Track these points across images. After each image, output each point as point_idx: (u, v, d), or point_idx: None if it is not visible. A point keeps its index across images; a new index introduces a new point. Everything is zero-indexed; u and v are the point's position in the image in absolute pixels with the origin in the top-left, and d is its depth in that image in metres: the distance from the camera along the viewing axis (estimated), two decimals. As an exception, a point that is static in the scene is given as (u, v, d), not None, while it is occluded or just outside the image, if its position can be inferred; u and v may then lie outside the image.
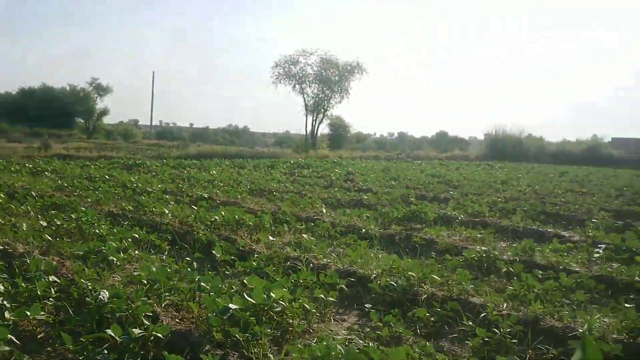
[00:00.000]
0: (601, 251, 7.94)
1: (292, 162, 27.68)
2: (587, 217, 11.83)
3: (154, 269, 5.43)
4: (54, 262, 5.77)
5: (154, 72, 56.91)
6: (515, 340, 4.57)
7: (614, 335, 4.61)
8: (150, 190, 13.50)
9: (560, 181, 21.60)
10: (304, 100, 47.48)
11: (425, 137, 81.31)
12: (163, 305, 4.87)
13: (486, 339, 4.50)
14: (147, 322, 4.13)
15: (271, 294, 4.71)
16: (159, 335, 3.94)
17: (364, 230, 9.07)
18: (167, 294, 5.10)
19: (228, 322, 4.33)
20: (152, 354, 3.93)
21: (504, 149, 43.71)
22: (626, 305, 5.45)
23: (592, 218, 11.57)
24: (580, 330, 4.51)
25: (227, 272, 6.48)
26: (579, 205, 13.71)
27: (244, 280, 5.39)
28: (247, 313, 4.47)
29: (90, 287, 4.82)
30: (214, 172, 20.12)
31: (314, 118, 48.04)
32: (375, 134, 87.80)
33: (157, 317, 4.42)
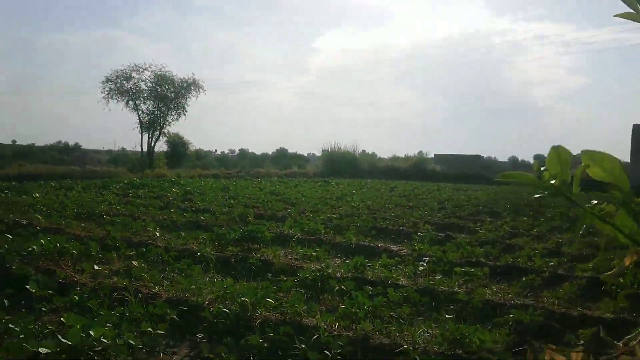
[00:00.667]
0: (425, 264, 8.47)
1: (126, 182, 26.34)
2: (413, 230, 12.60)
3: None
4: None
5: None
6: (344, 360, 4.64)
7: (436, 348, 4.87)
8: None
9: (390, 196, 22.89)
10: (139, 117, 45.47)
11: (266, 154, 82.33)
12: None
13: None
14: None
15: (90, 332, 4.33)
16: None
17: (199, 253, 8.79)
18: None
19: (39, 371, 3.89)
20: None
21: (340, 166, 45.53)
22: (447, 316, 5.81)
23: (417, 232, 12.34)
24: (405, 346, 4.69)
25: (44, 309, 5.87)
26: (406, 219, 14.59)
27: (62, 318, 4.91)
28: (63, 356, 4.05)
29: None
30: (37, 195, 18.45)
31: (150, 135, 46.20)
32: (216, 151, 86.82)
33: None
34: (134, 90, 45.13)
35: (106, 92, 44.87)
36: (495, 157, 63.26)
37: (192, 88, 46.63)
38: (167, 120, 46.42)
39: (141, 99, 45.38)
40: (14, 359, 3.93)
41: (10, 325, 4.67)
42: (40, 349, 3.92)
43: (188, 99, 46.84)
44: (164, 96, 45.42)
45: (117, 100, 45.11)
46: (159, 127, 46.27)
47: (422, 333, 5.25)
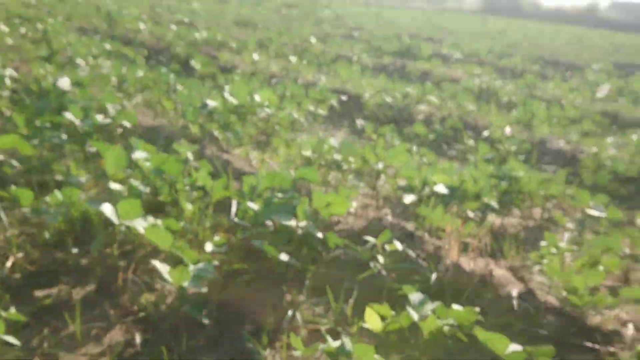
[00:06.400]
0: (605, 91, 7.51)
1: (280, 1, 26.07)
2: (586, 65, 11.29)
3: (124, 70, 4.86)
4: (11, 61, 5.15)
5: None
6: (521, 156, 4.20)
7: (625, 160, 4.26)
8: (126, 13, 12.46)
9: (557, 36, 20.74)
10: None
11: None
12: (133, 103, 4.35)
13: (490, 155, 4.12)
14: (113, 112, 3.62)
15: (256, 97, 4.21)
16: (127, 124, 3.46)
17: (355, 58, 8.43)
18: (138, 94, 4.57)
19: (207, 119, 3.86)
20: (119, 144, 3.46)
21: (500, 4, 41.92)
22: (634, 137, 5.09)
23: (591, 66, 11.04)
24: (594, 151, 4.13)
25: (207, 84, 5.91)
26: (577, 56, 13.10)
27: (226, 87, 4.85)
28: (229, 113, 3.99)
29: (51, 81, 4.26)
30: (196, 4, 18.78)
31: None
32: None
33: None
34: None
35: None
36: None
37: None
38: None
39: None
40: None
41: (178, 86, 4.70)
42: (208, 101, 3.86)
43: None
44: None
45: None
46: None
47: (609, 146, 4.62)
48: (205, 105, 3.81)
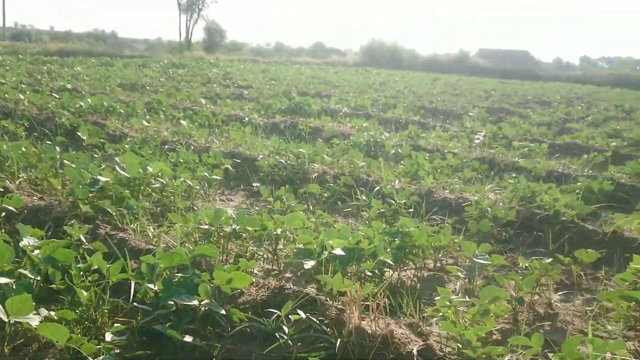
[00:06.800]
0: (481, 137, 8.10)
1: (166, 61, 25.98)
2: (463, 112, 12.14)
3: (5, 147, 4.64)
4: None
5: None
6: (411, 210, 4.42)
7: (505, 204, 4.61)
8: (2, 81, 11.90)
9: (434, 84, 22.13)
10: (177, -2, 44.43)
11: (302, 48, 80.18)
12: (17, 182, 4.16)
13: (382, 210, 4.31)
14: (-4, 196, 3.45)
15: (148, 168, 4.17)
16: (11, 208, 3.30)
17: (246, 119, 8.56)
18: (22, 173, 4.37)
19: (98, 196, 3.75)
20: (3, 230, 3.28)
21: (380, 57, 44.16)
22: (510, 181, 5.51)
23: (467, 113, 11.88)
24: (476, 198, 4.44)
25: (95, 155, 5.75)
26: (454, 103, 14.06)
27: (117, 160, 4.74)
28: (121, 187, 3.91)
29: None
30: (79, 68, 18.30)
31: (188, 19, 45.31)
32: (251, 43, 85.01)
33: (9, 193, 3.73)
34: (171, -30, 43.73)
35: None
36: (539, 57, 60.24)
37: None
38: (206, 2, 45.24)
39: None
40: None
41: (65, 161, 4.55)
42: (99, 177, 3.77)
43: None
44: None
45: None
46: (197, 10, 45.21)
47: (488, 191, 4.98)
48: (95, 182, 3.72)
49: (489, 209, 4.19)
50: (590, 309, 3.11)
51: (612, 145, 8.38)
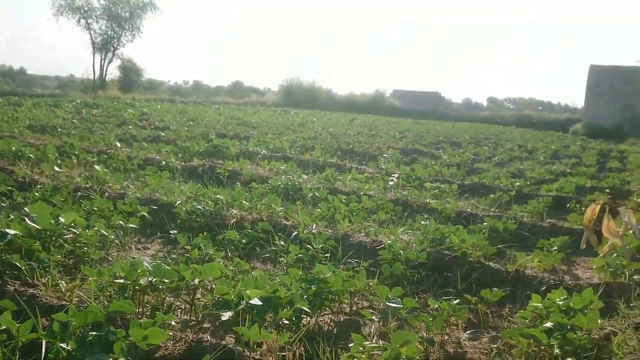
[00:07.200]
0: (395, 179, 8.42)
1: (79, 101, 25.24)
2: (378, 153, 12.56)
3: None
4: None
5: None
6: (327, 255, 4.54)
7: (416, 246, 4.82)
8: None
9: (351, 125, 22.74)
10: (91, 36, 43.44)
11: (221, 87, 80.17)
12: None
13: (300, 255, 4.39)
14: None
15: (60, 219, 4.07)
16: None
17: (163, 163, 8.48)
18: None
19: (6, 251, 3.63)
20: None
21: (298, 97, 44.88)
22: (422, 222, 5.76)
23: (382, 154, 12.30)
24: (389, 242, 4.62)
25: (2, 204, 5.53)
26: (369, 144, 14.52)
27: (26, 209, 4.59)
28: (31, 240, 3.79)
29: None
30: (-17, 109, 17.47)
31: (103, 58, 44.34)
32: (169, 81, 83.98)
33: None
34: (86, 8, 42.92)
35: (56, 8, 42.59)
36: (450, 98, 63.13)
37: (148, 8, 44.64)
38: (121, 42, 44.55)
39: (94, 17, 43.25)
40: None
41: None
42: (7, 230, 3.64)
43: (143, 19, 44.97)
44: (118, 15, 43.34)
45: (68, 18, 42.94)
46: (112, 49, 44.38)
47: (401, 233, 5.19)
48: (3, 235, 3.59)
49: (402, 252, 4.36)
50: (495, 346, 3.30)
51: (515, 185, 8.93)
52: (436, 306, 3.44)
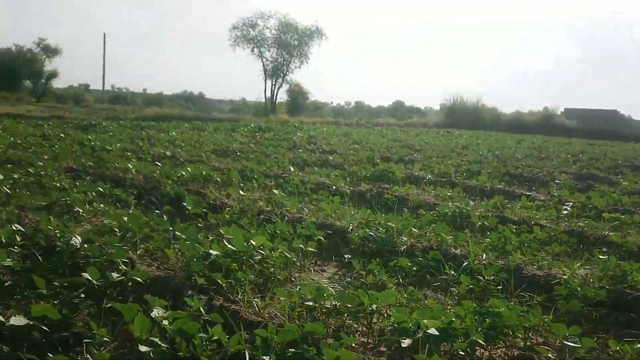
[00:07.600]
0: (569, 208, 8.07)
1: (252, 125, 27.24)
2: (549, 179, 12.05)
3: (125, 219, 5.19)
4: (16, 212, 5.46)
5: (105, 34, 54.33)
6: (499, 287, 4.55)
7: (595, 283, 4.65)
8: (109, 148, 13.01)
9: (518, 147, 21.94)
10: (263, 64, 46.76)
11: (382, 107, 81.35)
12: (138, 252, 4.65)
13: (471, 286, 4.46)
14: (124, 267, 3.92)
15: (251, 241, 4.55)
16: (138, 279, 3.74)
17: (334, 187, 8.95)
18: (140, 243, 4.88)
19: (209, 269, 4.16)
20: (130, 299, 3.72)
21: (461, 118, 44.14)
22: (600, 257, 5.50)
23: (554, 180, 11.78)
24: (565, 277, 4.51)
25: (199, 224, 6.26)
26: (539, 168, 13.96)
27: (220, 230, 5.19)
28: (228, 260, 4.31)
29: (59, 235, 4.56)
30: (174, 133, 19.58)
31: (273, 83, 47.39)
32: (332, 102, 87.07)
33: (132, 264, 4.20)
34: (259, 38, 46.29)
35: (233, 40, 46.44)
36: (630, 115, 57.86)
37: (315, 35, 46.95)
38: (290, 68, 47.29)
39: (265, 46, 46.50)
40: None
41: (176, 232, 5.04)
42: (211, 251, 4.20)
43: (311, 47, 47.38)
44: (287, 43, 46.15)
45: (243, 48, 46.59)
46: (281, 75, 47.25)
47: (578, 268, 5.02)
48: (207, 255, 4.14)
49: (579, 289, 4.25)
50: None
51: None
52: (618, 348, 3.33)
